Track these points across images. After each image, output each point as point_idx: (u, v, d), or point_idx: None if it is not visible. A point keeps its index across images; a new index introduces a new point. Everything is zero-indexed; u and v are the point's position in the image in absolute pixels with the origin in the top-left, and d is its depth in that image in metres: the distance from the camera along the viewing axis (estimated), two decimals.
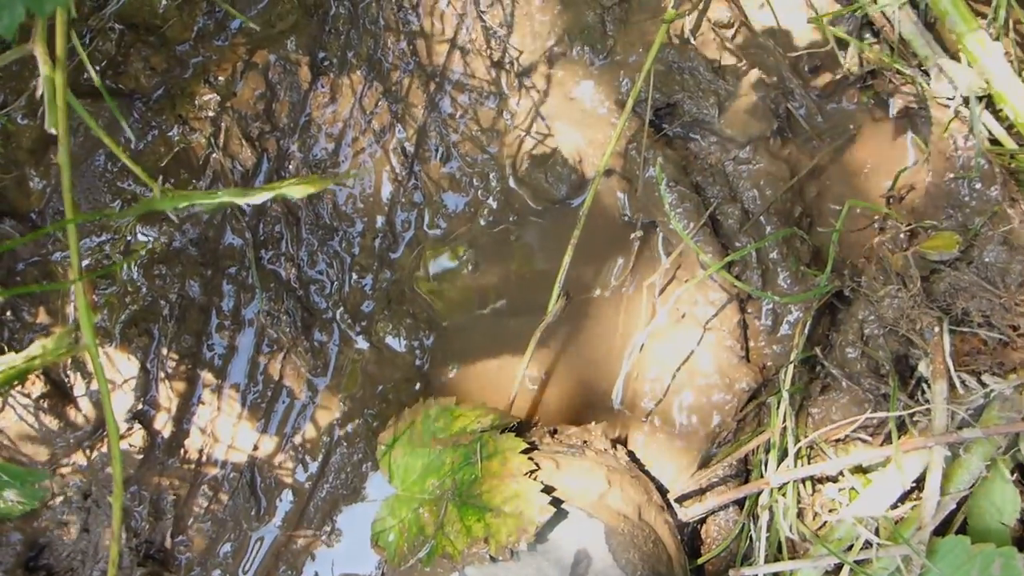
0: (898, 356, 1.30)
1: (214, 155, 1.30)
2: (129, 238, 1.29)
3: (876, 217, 1.39)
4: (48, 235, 1.30)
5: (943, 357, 1.18)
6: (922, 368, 1.25)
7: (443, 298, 1.40)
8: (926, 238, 1.27)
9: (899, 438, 1.21)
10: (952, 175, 1.29)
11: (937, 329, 1.20)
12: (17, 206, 1.28)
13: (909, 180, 1.37)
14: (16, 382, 1.23)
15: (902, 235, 1.29)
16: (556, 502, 1.14)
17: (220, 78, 1.31)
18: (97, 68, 1.26)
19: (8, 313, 1.27)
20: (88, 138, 1.27)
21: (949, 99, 1.28)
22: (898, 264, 1.23)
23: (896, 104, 1.38)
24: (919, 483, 1.22)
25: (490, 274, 1.40)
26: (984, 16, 1.26)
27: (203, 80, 1.30)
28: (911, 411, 1.22)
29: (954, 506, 1.19)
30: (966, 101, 1.26)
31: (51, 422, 1.25)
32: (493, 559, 1.12)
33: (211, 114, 1.30)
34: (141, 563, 1.33)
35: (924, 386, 1.27)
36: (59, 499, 1.29)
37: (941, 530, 1.22)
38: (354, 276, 1.40)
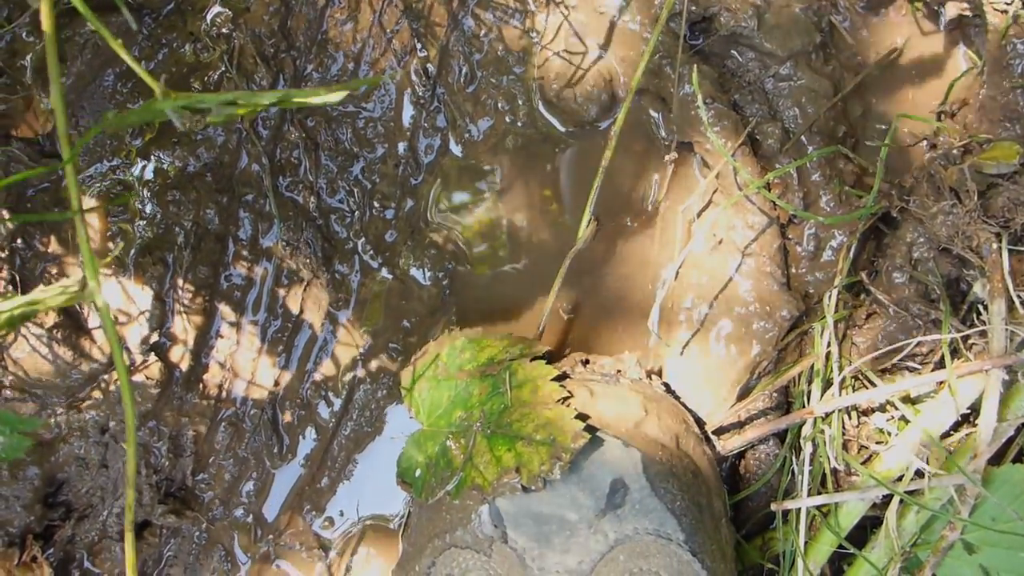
0: (949, 280, 1.23)
1: (228, 75, 1.25)
2: (142, 162, 1.24)
3: (925, 136, 1.31)
4: (60, 160, 1.25)
5: (1002, 274, 1.12)
6: (977, 289, 1.18)
7: (466, 228, 1.34)
8: (981, 152, 1.20)
9: (952, 363, 1.14)
10: (1009, 85, 1.21)
11: (996, 246, 1.13)
12: (25, 128, 1.23)
13: (961, 95, 1.29)
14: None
15: (955, 151, 1.22)
16: (591, 429, 1.08)
17: None
18: None
19: (19, 241, 1.22)
20: (96, 56, 1.21)
21: (1007, 3, 1.20)
22: (952, 178, 1.16)
23: (948, 13, 1.29)
24: (973, 410, 1.16)
25: (516, 201, 1.33)
26: None
27: None
28: (965, 333, 1.16)
29: (1012, 433, 1.13)
30: None
31: (66, 354, 1.20)
32: (525, 489, 1.07)
33: (223, 31, 1.24)
34: (162, 500, 1.29)
35: (978, 310, 1.20)
36: (76, 434, 1.26)
37: (997, 459, 1.16)
38: (375, 205, 1.34)
